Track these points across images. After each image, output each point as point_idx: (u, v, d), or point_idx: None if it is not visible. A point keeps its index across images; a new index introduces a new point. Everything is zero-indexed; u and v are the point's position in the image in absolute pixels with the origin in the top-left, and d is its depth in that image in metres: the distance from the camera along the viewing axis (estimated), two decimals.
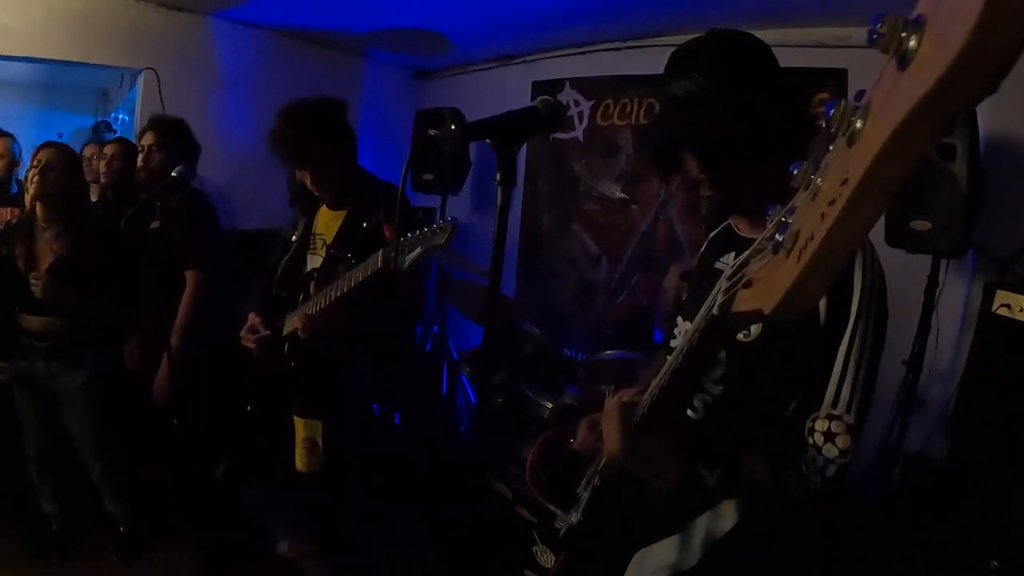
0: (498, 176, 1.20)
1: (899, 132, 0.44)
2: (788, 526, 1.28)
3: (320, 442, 2.47)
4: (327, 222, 2.58)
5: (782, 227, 0.59)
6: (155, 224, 3.06)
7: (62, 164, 2.80)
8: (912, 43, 0.45)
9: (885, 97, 0.48)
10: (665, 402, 1.07)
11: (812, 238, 0.52)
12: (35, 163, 2.77)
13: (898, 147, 0.45)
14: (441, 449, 4.02)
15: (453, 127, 1.21)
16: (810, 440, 1.13)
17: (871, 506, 2.95)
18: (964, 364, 2.81)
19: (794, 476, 1.15)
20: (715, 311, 0.79)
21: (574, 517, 1.58)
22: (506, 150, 1.21)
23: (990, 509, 2.27)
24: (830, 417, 1.12)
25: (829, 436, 1.12)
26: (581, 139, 4.75)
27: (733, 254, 1.43)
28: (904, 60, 0.45)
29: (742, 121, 1.25)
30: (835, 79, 3.62)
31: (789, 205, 0.61)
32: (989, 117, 2.96)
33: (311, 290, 2.42)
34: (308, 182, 2.48)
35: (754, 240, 1.28)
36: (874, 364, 1.17)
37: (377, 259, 2.03)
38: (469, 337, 4.91)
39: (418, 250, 1.94)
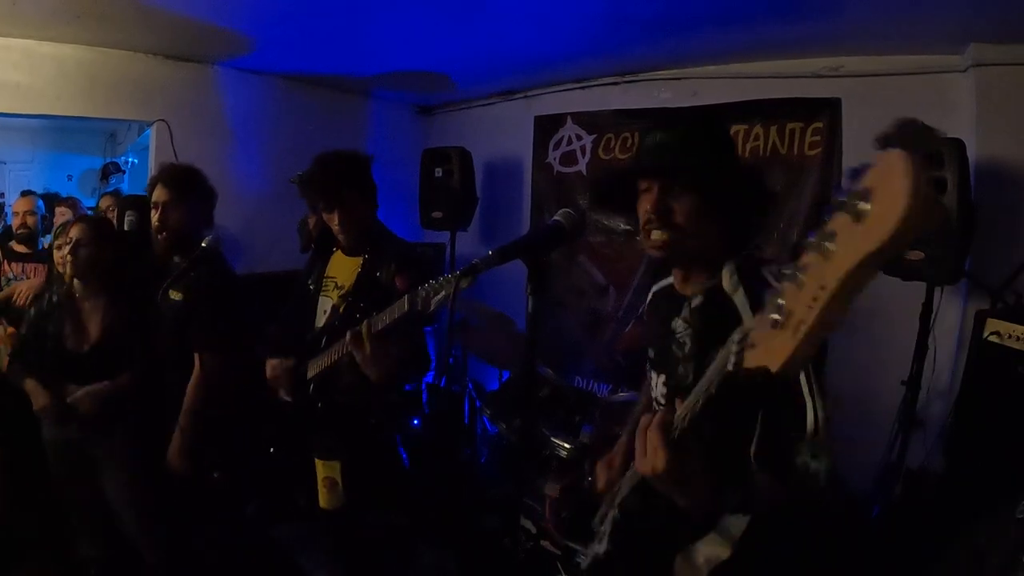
0: (529, 288, 1.29)
1: (854, 271, 0.70)
2: (792, 517, 1.34)
3: (340, 480, 2.58)
4: (341, 266, 2.70)
5: (779, 308, 0.82)
6: (176, 295, 2.86)
7: (92, 238, 2.83)
8: (863, 206, 0.69)
9: (847, 236, 0.71)
10: (695, 429, 1.16)
11: (804, 322, 0.76)
12: (67, 239, 2.81)
13: (853, 279, 0.71)
14: (463, 482, 4.11)
15: (491, 253, 1.29)
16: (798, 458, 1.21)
17: (874, 522, 3.04)
18: (959, 385, 2.90)
19: (802, 474, 1.20)
20: (730, 367, 0.98)
21: (600, 548, 1.64)
22: (536, 264, 1.30)
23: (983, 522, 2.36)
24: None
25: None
26: (584, 172, 4.83)
27: (679, 318, 1.53)
28: (859, 217, 0.69)
29: (711, 162, 1.43)
30: (829, 109, 3.71)
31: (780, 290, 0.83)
32: (978, 151, 3.05)
33: (334, 339, 2.49)
34: (335, 223, 2.59)
35: (690, 298, 1.47)
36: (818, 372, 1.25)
37: (404, 303, 2.10)
38: (488, 370, 4.97)
39: (443, 293, 1.99)
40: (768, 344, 0.85)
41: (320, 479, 2.65)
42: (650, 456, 1.21)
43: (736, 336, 0.98)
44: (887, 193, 0.67)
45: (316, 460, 2.65)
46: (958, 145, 2.77)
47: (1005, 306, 2.84)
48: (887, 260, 0.70)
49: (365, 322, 2.26)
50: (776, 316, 0.83)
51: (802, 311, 0.77)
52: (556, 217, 1.38)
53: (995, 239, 3.02)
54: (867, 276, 0.71)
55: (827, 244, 0.74)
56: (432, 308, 2.03)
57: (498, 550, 3.33)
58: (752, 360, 0.90)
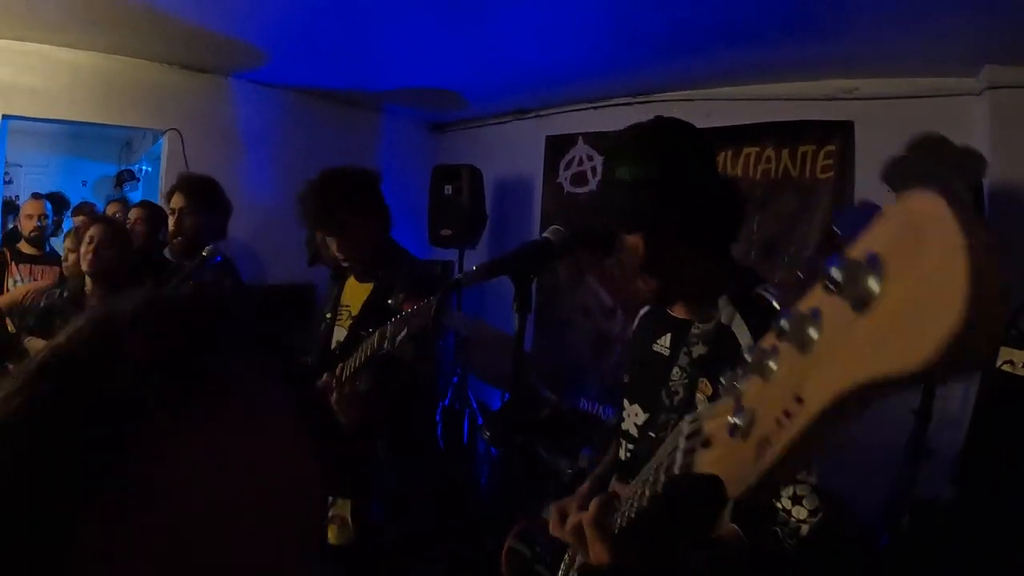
0: (515, 305, 1.25)
1: (850, 394, 0.42)
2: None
3: (350, 519, 2.52)
4: (354, 293, 2.57)
5: (738, 404, 0.58)
6: None
7: (116, 241, 2.85)
8: (871, 285, 0.41)
9: (841, 334, 0.44)
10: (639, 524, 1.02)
11: (770, 443, 0.51)
12: (88, 239, 2.81)
13: (848, 404, 0.43)
14: (462, 503, 4.06)
15: (475, 268, 1.25)
16: (779, 505, 1.15)
17: (883, 552, 2.97)
18: (971, 414, 2.84)
19: (769, 539, 1.16)
20: (676, 469, 0.77)
21: None
22: (522, 281, 1.26)
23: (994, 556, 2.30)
24: (795, 482, 1.15)
25: (796, 500, 1.15)
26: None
27: (669, 336, 1.43)
28: (861, 303, 0.41)
29: (679, 205, 1.28)
30: (842, 131, 3.67)
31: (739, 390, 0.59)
32: (992, 171, 2.96)
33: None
34: (335, 249, 2.44)
35: (688, 321, 1.36)
36: None
37: (373, 342, 2.02)
38: (491, 390, 4.93)
39: (404, 331, 1.91)
40: (726, 454, 0.62)
41: (329, 516, 2.60)
42: (592, 552, 1.14)
43: (685, 428, 0.77)
44: (918, 274, 0.40)
45: None
46: None
47: (1019, 334, 2.76)
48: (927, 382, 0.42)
49: (339, 366, 2.19)
50: (734, 420, 0.59)
51: (768, 423, 0.53)
52: (545, 234, 1.33)
53: (1009, 263, 2.92)
54: (870, 401, 0.43)
55: (810, 331, 0.47)
56: (396, 347, 1.94)
57: (495, 571, 3.27)
58: (705, 464, 0.69)
